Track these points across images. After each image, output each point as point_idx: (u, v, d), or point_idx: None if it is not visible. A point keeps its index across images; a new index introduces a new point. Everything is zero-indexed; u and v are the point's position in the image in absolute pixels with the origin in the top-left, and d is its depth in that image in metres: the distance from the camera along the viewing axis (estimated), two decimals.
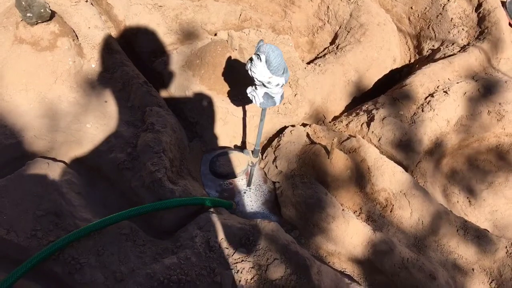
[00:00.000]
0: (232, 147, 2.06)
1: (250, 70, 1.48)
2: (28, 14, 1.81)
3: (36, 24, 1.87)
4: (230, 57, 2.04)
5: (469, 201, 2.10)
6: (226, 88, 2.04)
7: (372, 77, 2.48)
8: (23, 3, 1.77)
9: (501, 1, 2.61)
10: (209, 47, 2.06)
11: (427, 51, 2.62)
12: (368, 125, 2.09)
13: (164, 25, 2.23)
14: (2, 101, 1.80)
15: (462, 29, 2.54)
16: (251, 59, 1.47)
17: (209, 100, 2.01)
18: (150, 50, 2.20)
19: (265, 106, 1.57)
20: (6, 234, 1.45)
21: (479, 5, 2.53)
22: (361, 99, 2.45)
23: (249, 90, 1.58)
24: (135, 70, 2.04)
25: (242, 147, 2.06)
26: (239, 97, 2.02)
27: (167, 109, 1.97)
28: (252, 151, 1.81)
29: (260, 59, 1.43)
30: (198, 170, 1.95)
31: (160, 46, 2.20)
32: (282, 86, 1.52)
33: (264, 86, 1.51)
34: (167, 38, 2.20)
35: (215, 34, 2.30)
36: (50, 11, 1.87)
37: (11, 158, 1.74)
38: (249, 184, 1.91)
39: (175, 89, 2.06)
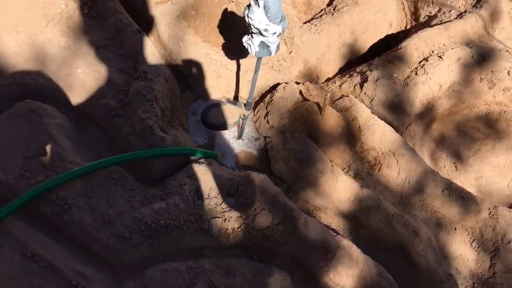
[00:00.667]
0: (225, 100, 2.05)
1: (247, 16, 1.46)
2: None
3: None
4: (226, 8, 2.01)
5: (456, 166, 2.13)
6: (221, 40, 2.02)
7: (368, 40, 2.47)
8: None
9: None
10: None
11: (424, 17, 2.60)
12: (361, 86, 2.10)
13: None
14: None
15: None
16: (248, 6, 1.45)
17: (203, 52, 1.99)
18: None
19: (261, 55, 1.56)
20: None
21: None
22: (356, 62, 2.44)
23: (245, 38, 1.57)
24: (129, 18, 2.01)
25: (234, 101, 2.05)
26: (233, 51, 2.00)
27: (160, 59, 1.95)
28: (244, 104, 1.80)
29: (258, 4, 1.41)
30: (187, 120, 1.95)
31: None
32: (279, 35, 1.51)
33: (261, 34, 1.49)
34: None
35: None
36: None
37: (1, 98, 1.71)
38: (240, 136, 1.91)
39: (168, 40, 2.03)
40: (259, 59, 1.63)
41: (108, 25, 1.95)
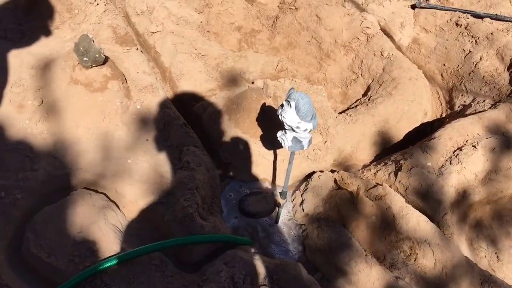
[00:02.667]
0: (263, 188, 2.14)
1: (281, 115, 1.59)
2: (85, 59, 2.02)
3: (91, 67, 2.07)
4: (264, 103, 2.17)
5: (497, 256, 2.09)
6: (259, 132, 2.16)
7: (402, 129, 2.54)
8: (81, 48, 1.98)
9: None
10: (245, 93, 2.21)
11: (459, 107, 2.68)
12: (396, 174, 2.15)
13: (205, 73, 2.40)
14: (54, 135, 1.98)
15: (494, 86, 2.59)
16: (282, 105, 1.59)
17: (242, 142, 2.13)
18: (191, 95, 2.36)
19: (293, 149, 1.67)
20: (46, 257, 1.58)
21: (511, 64, 2.59)
22: (392, 149, 2.51)
23: (279, 134, 1.69)
24: (176, 112, 2.20)
25: (271, 189, 2.14)
26: (270, 142, 2.13)
27: (203, 149, 2.11)
28: (280, 193, 1.89)
29: (290, 105, 1.55)
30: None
31: (201, 92, 2.37)
32: (310, 131, 1.62)
33: (293, 130, 1.61)
34: (207, 84, 2.37)
35: (252, 82, 2.45)
36: (104, 56, 2.08)
37: (58, 187, 1.89)
38: (276, 222, 1.98)
39: (211, 131, 2.20)
40: (292, 152, 1.73)
41: (157, 119, 2.15)
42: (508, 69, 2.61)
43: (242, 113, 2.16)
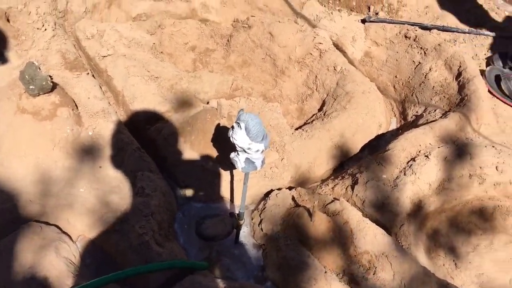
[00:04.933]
0: (220, 209, 2.12)
1: (232, 137, 1.59)
2: (31, 87, 1.96)
3: (38, 95, 2.01)
4: (219, 124, 2.16)
5: (455, 263, 2.12)
6: (215, 153, 2.14)
7: (358, 141, 2.58)
8: (26, 76, 1.92)
9: (480, 69, 2.75)
10: (199, 114, 2.19)
11: (411, 117, 2.74)
12: (353, 188, 2.17)
13: (159, 95, 2.37)
14: (1, 166, 1.91)
15: (444, 96, 2.67)
16: (232, 127, 1.58)
17: (199, 164, 2.11)
18: (145, 118, 2.33)
19: (247, 170, 1.67)
20: None
21: (459, 74, 2.67)
22: (349, 162, 2.54)
23: (232, 155, 1.68)
24: (130, 137, 2.16)
25: (230, 209, 2.13)
26: (227, 162, 2.11)
27: (158, 173, 2.07)
28: (238, 214, 1.87)
29: (240, 126, 1.54)
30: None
31: (155, 114, 2.33)
32: (262, 151, 1.62)
33: (245, 152, 1.60)
34: (161, 106, 2.34)
35: (208, 103, 2.44)
36: (51, 84, 2.02)
37: (6, 221, 1.82)
38: (236, 242, 1.97)
39: (167, 154, 2.17)
40: (246, 173, 1.73)
41: (110, 145, 2.10)
42: (456, 79, 2.69)
43: (197, 135, 2.15)
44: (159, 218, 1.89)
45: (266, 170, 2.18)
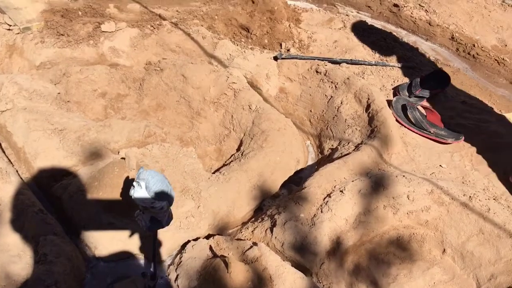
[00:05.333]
0: (133, 269, 2.01)
1: (133, 196, 1.51)
2: None
3: None
4: (128, 177, 2.07)
5: None
6: (125, 208, 2.04)
7: (277, 179, 2.57)
8: None
9: (387, 100, 2.87)
10: (107, 168, 2.09)
11: (328, 151, 2.79)
12: (272, 230, 2.14)
13: (64, 149, 2.24)
14: None
15: (356, 128, 2.74)
16: (133, 186, 1.50)
17: (108, 222, 2.00)
18: (50, 175, 2.19)
19: (152, 229, 1.59)
20: None
21: (368, 106, 2.77)
22: (270, 201, 2.52)
23: (136, 213, 1.60)
24: (31, 197, 2.02)
25: (143, 268, 2.02)
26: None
27: (64, 236, 1.93)
28: (150, 276, 1.78)
29: (140, 185, 1.47)
30: None
31: (60, 170, 2.20)
32: (167, 209, 1.55)
33: (149, 210, 1.53)
34: (67, 161, 2.21)
35: (118, 152, 2.34)
36: None
37: None
38: None
39: (73, 213, 2.04)
40: (155, 232, 1.65)
41: (9, 209, 1.95)
42: (366, 111, 2.79)
43: (104, 190, 2.04)
44: (64, 286, 1.75)
45: (181, 220, 2.11)
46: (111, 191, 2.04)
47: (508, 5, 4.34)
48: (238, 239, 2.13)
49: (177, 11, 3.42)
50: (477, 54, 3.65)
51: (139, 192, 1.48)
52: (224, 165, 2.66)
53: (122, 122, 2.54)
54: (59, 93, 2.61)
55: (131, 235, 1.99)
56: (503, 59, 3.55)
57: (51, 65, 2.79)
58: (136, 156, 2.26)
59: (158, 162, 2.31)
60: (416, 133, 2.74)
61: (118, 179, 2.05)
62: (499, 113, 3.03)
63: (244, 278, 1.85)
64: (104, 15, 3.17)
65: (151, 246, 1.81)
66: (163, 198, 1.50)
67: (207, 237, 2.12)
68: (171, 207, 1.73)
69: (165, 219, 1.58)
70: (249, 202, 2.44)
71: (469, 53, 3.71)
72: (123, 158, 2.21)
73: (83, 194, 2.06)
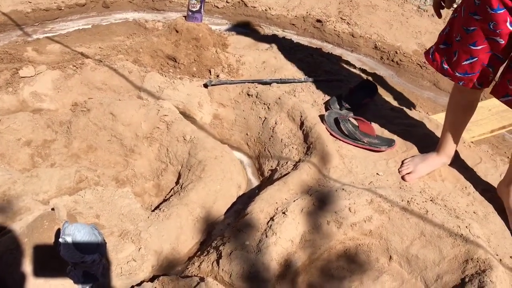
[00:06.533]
0: None
1: (61, 253, 1.42)
2: None
3: None
4: (59, 229, 1.96)
5: None
6: (60, 263, 1.92)
7: (221, 208, 2.53)
8: None
9: (320, 115, 2.91)
10: (35, 223, 1.97)
11: (268, 172, 2.78)
12: (218, 262, 2.09)
13: None
14: None
15: (292, 147, 2.76)
16: (59, 244, 1.42)
17: (43, 281, 1.87)
18: None
19: (87, 284, 1.50)
20: None
21: (302, 123, 2.80)
22: (215, 231, 2.47)
23: (68, 270, 1.51)
24: None
25: None
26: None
27: None
28: None
29: (67, 241, 1.39)
30: None
31: None
32: (99, 261, 1.48)
33: (80, 265, 1.45)
34: None
35: (49, 203, 2.22)
36: None
37: None
38: None
39: (5, 275, 1.89)
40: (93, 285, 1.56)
41: None
42: (300, 128, 2.82)
43: (35, 247, 1.91)
44: None
45: (122, 266, 2.01)
46: (42, 247, 1.91)
47: (424, 11, 4.58)
48: (184, 276, 2.06)
49: (99, 47, 3.34)
50: (400, 60, 3.81)
51: (66, 248, 1.40)
52: (164, 200, 2.59)
53: (51, 170, 2.42)
54: None
55: None
56: (424, 62, 3.72)
57: None
58: (67, 205, 2.15)
59: (92, 207, 2.21)
60: (351, 144, 2.80)
61: (49, 233, 1.93)
62: (426, 115, 3.15)
63: None
64: (22, 59, 3.05)
65: None
66: (94, 250, 1.43)
67: (152, 279, 2.04)
68: (110, 253, 1.65)
69: (99, 271, 1.50)
70: (194, 235, 2.38)
71: (392, 60, 3.87)
72: (53, 209, 2.09)
73: (12, 253, 1.92)
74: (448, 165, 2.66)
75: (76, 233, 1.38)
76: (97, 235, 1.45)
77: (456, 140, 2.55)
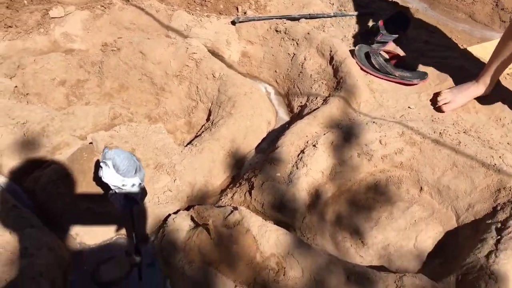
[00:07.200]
0: (117, 249, 2.00)
1: (102, 177, 1.49)
2: None
3: None
4: (98, 160, 2.03)
5: (362, 242, 2.18)
6: (100, 191, 2.02)
7: (251, 144, 2.57)
8: None
9: (350, 50, 2.86)
10: (75, 155, 2.05)
11: (297, 108, 2.79)
12: (250, 193, 2.15)
13: (29, 141, 2.19)
14: None
15: (322, 82, 2.74)
16: (100, 167, 1.48)
17: (84, 207, 1.98)
18: (19, 170, 2.14)
19: (128, 208, 1.58)
20: None
21: (331, 58, 2.76)
22: (246, 166, 2.52)
23: (110, 194, 1.59)
24: (3, 195, 1.98)
25: (128, 246, 2.01)
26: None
27: (42, 228, 1.91)
28: (135, 252, 1.78)
29: (108, 165, 1.45)
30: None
31: (29, 164, 2.16)
32: (139, 185, 1.54)
33: (121, 189, 1.52)
34: (34, 154, 2.17)
35: (86, 138, 2.30)
36: None
37: None
38: (140, 279, 1.87)
39: (48, 204, 2.01)
40: (134, 208, 1.64)
41: None
42: (330, 63, 2.78)
43: (76, 177, 2.01)
44: (50, 276, 1.74)
45: (159, 196, 2.10)
46: (84, 177, 2.01)
47: None
48: (218, 206, 2.13)
49: None
50: None
51: (107, 172, 1.47)
52: (196, 136, 2.65)
53: (86, 107, 2.48)
54: (16, 86, 2.53)
55: (110, 217, 1.98)
56: None
57: (3, 59, 2.69)
58: (104, 139, 2.22)
59: (127, 142, 2.28)
60: (382, 78, 2.76)
61: (89, 164, 2.02)
62: (462, 47, 3.06)
63: (228, 242, 1.86)
64: (51, 0, 3.05)
65: (131, 225, 1.81)
66: (134, 174, 1.49)
67: (187, 208, 2.12)
68: (147, 184, 1.72)
69: (139, 195, 1.57)
70: (225, 169, 2.44)
71: None
72: (91, 143, 2.17)
73: (55, 184, 2.03)
74: (484, 96, 2.61)
75: (116, 157, 1.44)
76: (135, 161, 1.51)
77: (499, 72, 2.48)
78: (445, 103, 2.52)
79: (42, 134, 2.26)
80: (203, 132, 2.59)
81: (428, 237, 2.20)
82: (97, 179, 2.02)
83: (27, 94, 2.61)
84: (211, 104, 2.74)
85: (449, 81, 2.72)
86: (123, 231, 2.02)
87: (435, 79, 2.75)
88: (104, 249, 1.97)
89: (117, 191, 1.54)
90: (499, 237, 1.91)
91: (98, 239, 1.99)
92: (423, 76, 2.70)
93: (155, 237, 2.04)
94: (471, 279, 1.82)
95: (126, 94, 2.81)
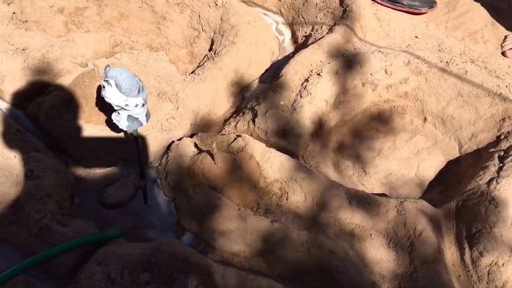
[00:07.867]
0: (122, 173, 2.02)
1: (105, 97, 1.48)
2: None
3: None
4: (99, 86, 2.02)
5: (364, 170, 2.21)
6: (103, 117, 2.01)
7: (254, 73, 2.54)
8: None
9: None
10: (77, 80, 2.03)
11: (301, 39, 2.73)
12: (254, 121, 2.14)
13: (30, 68, 2.16)
14: None
15: (327, 11, 2.66)
16: (103, 86, 1.47)
17: (88, 132, 1.98)
18: (21, 96, 2.12)
19: (132, 128, 1.58)
20: None
21: None
22: (249, 96, 2.50)
23: (113, 116, 1.58)
24: (6, 120, 1.97)
25: (130, 173, 2.03)
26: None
27: (47, 151, 1.92)
28: (140, 175, 1.80)
29: (110, 84, 1.43)
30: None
31: (31, 90, 2.14)
32: (143, 105, 1.53)
33: (125, 109, 1.51)
34: (35, 79, 2.14)
35: (87, 65, 2.27)
36: None
37: None
38: (145, 202, 1.90)
39: (52, 130, 2.01)
40: (135, 131, 1.64)
41: None
42: None
43: (79, 102, 1.99)
44: (56, 197, 1.77)
45: (162, 123, 2.09)
46: (86, 102, 2.00)
47: None
48: (222, 134, 2.13)
49: None
50: None
51: (110, 91, 1.45)
52: (198, 66, 2.61)
53: (86, 35, 2.42)
54: (14, 13, 2.46)
55: (114, 141, 1.98)
56: None
57: None
58: (105, 66, 2.18)
59: (129, 69, 2.24)
60: (389, 7, 2.68)
61: (90, 89, 2.00)
62: None
63: (232, 166, 1.88)
64: None
65: (135, 148, 1.82)
66: (137, 94, 1.47)
67: (191, 136, 2.13)
68: (150, 111, 1.71)
69: (143, 116, 1.56)
70: (228, 98, 2.42)
71: None
72: (93, 70, 2.14)
73: (58, 109, 2.02)
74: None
75: (118, 76, 1.41)
76: (138, 81, 1.49)
77: None
78: (510, 48, 2.44)
79: (42, 60, 2.22)
80: (205, 62, 2.55)
81: (430, 166, 2.22)
82: (101, 104, 2.01)
83: (25, 21, 2.54)
84: (214, 33, 2.67)
85: (458, 10, 2.64)
86: (128, 156, 2.03)
87: (444, 8, 2.67)
88: (109, 173, 2.00)
89: (120, 112, 1.53)
90: (501, 164, 1.92)
91: (103, 164, 2.00)
92: (432, 4, 2.62)
93: (158, 163, 2.06)
94: (471, 205, 1.85)
95: (127, 23, 2.74)
